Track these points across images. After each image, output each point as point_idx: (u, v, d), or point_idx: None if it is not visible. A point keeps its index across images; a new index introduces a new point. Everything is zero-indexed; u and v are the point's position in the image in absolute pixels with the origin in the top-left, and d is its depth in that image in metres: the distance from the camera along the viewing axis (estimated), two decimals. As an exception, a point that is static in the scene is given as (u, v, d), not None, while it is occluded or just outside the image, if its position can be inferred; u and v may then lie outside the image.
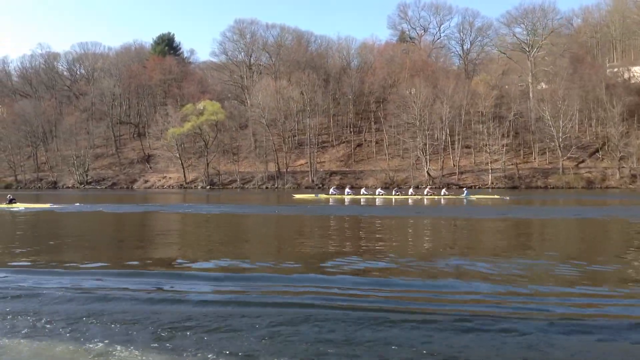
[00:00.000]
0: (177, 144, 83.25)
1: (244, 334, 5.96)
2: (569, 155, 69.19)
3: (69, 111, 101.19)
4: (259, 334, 5.96)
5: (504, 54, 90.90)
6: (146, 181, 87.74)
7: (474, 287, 7.88)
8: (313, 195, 44.14)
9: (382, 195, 42.35)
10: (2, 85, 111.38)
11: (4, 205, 31.32)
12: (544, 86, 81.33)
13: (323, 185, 71.22)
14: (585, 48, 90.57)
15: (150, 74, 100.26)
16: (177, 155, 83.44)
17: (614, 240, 15.73)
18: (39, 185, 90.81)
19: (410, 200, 37.59)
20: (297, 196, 42.30)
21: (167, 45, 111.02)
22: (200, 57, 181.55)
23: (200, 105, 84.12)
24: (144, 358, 5.40)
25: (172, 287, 8.31)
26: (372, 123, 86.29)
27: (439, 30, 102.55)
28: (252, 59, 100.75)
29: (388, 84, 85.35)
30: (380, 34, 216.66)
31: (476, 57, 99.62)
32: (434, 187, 54.22)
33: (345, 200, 39.41)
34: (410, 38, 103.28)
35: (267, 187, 77.32)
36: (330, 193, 44.65)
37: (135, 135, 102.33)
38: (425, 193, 41.60)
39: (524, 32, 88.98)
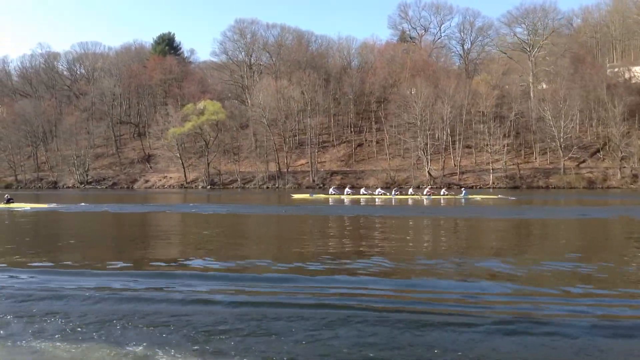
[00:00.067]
0: (177, 144, 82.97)
1: (281, 338, 5.87)
2: (570, 155, 69.12)
3: (69, 111, 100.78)
4: (297, 337, 5.86)
5: (505, 53, 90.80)
6: (147, 181, 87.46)
7: (505, 288, 7.81)
8: (308, 195, 44.17)
9: (382, 195, 42.23)
10: (2, 85, 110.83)
11: (2, 205, 31.33)
12: (544, 86, 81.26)
13: (324, 185, 71.05)
14: (586, 48, 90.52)
15: (150, 73, 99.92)
16: (178, 155, 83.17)
17: (634, 240, 15.59)
18: (39, 185, 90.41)
19: (410, 200, 37.53)
20: (296, 196, 42.48)
21: (167, 45, 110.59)
22: (201, 56, 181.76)
23: (200, 105, 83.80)
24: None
25: (199, 288, 8.22)
26: (373, 123, 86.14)
27: (440, 30, 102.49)
28: (252, 59, 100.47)
29: (389, 83, 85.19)
30: (381, 33, 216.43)
31: (477, 57, 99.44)
32: (434, 187, 54.16)
33: (345, 200, 39.30)
34: (410, 38, 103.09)
35: (267, 187, 77.17)
36: (330, 193, 44.59)
37: (135, 135, 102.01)
38: (425, 193, 41.50)
39: (525, 32, 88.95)
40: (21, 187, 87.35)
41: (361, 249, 12.99)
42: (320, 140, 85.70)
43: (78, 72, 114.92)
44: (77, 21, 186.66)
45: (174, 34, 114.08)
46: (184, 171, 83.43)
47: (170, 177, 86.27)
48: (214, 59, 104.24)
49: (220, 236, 17.39)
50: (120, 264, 10.54)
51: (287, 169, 79.75)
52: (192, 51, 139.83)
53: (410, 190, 44.56)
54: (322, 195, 43.26)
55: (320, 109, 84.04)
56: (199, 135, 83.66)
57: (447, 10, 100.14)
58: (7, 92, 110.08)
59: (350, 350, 5.45)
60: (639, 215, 22.98)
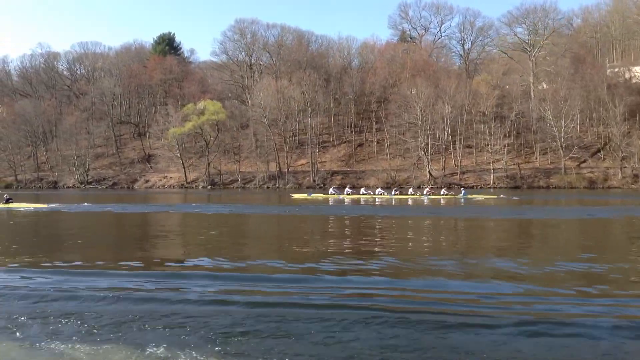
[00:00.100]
0: (177, 144, 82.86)
1: (301, 339, 5.82)
2: (570, 155, 69.12)
3: (69, 111, 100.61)
4: (316, 339, 5.81)
5: (505, 53, 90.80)
6: (147, 181, 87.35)
7: (520, 289, 7.78)
8: (306, 195, 44.26)
9: (382, 195, 42.19)
10: (2, 85, 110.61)
11: (1, 205, 31.37)
12: (545, 86, 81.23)
13: (324, 185, 70.98)
14: (586, 48, 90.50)
15: (150, 73, 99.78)
16: (178, 155, 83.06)
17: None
18: (39, 185, 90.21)
19: (409, 200, 37.50)
20: (295, 196, 42.74)
21: (167, 45, 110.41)
22: (201, 56, 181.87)
23: (201, 105, 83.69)
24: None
25: (213, 288, 8.17)
26: (373, 123, 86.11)
27: (440, 30, 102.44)
28: (252, 59, 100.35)
29: (389, 83, 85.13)
30: (381, 33, 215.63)
31: (477, 57, 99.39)
32: (435, 187, 54.13)
33: (345, 200, 39.27)
34: (411, 38, 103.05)
35: (268, 187, 77.10)
36: (330, 193, 44.59)
37: (135, 135, 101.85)
38: (425, 193, 41.48)
39: (525, 32, 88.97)
40: (21, 187, 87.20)
41: (369, 248, 12.96)
42: (321, 140, 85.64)
43: (78, 72, 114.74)
44: (77, 21, 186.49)
45: (174, 34, 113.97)
46: (184, 171, 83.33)
47: (171, 177, 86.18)
48: (214, 59, 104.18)
49: (227, 236, 17.34)
50: (132, 264, 10.49)
51: (288, 169, 79.69)
52: (192, 51, 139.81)
53: (410, 190, 44.50)
54: (321, 195, 43.24)
55: (320, 109, 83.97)
56: (199, 135, 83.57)
57: (447, 10, 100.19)
58: (7, 92, 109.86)
59: (372, 352, 5.40)
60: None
